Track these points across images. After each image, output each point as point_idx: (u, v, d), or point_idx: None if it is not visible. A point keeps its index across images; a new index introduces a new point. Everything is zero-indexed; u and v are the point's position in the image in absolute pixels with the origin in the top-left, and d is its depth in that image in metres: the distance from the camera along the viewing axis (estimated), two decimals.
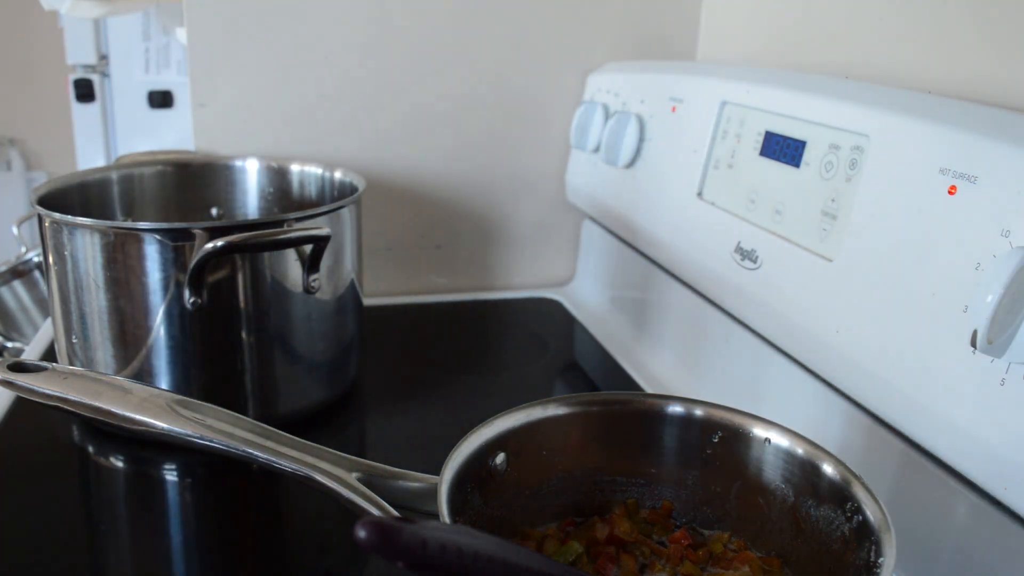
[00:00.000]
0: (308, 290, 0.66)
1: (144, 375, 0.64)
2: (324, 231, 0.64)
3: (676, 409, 0.51)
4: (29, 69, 2.58)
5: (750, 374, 0.69)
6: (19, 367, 0.48)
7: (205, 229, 0.61)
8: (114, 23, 1.96)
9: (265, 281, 0.64)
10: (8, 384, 0.47)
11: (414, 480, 0.46)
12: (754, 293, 0.64)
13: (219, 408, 0.47)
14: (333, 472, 0.45)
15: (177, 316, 0.62)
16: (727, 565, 0.47)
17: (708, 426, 0.50)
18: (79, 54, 2.02)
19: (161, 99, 2.01)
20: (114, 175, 0.81)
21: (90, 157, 2.08)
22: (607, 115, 0.90)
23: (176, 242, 0.61)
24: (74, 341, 0.66)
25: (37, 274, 1.54)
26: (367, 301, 0.79)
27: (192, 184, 0.85)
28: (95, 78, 2.04)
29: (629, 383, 0.80)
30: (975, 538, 0.47)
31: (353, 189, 0.77)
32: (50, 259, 0.65)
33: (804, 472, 0.46)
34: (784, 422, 0.48)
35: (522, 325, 0.96)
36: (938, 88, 0.62)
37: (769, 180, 0.64)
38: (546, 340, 0.91)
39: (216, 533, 0.60)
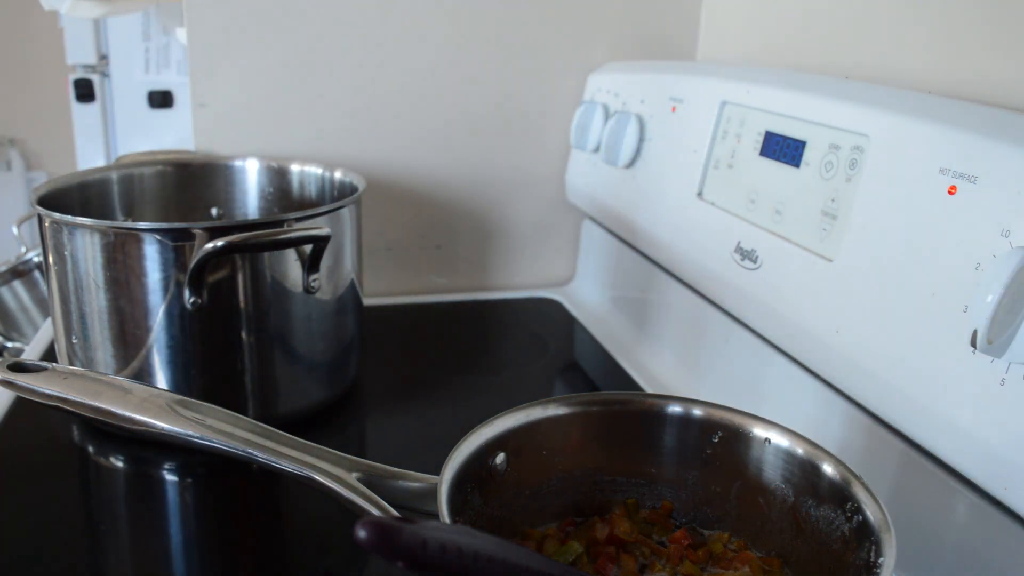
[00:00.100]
0: (308, 290, 0.66)
1: (144, 375, 0.64)
2: (324, 231, 0.64)
3: (676, 409, 0.51)
4: (29, 69, 2.58)
5: (750, 374, 0.69)
6: (19, 367, 0.48)
7: (205, 229, 0.61)
8: (114, 23, 1.96)
9: (265, 281, 0.64)
10: (8, 384, 0.47)
11: (414, 480, 0.46)
12: (754, 293, 0.64)
13: (219, 408, 0.47)
14: (333, 472, 0.45)
15: (177, 316, 0.62)
16: (727, 565, 0.47)
17: (708, 426, 0.50)
18: (79, 54, 2.02)
19: (161, 99, 2.01)
20: (114, 175, 0.81)
21: (90, 157, 2.08)
22: (607, 115, 0.90)
23: (176, 242, 0.61)
24: (74, 341, 0.66)
25: (37, 274, 1.54)
26: (367, 301, 0.79)
27: (192, 184, 0.85)
28: (95, 78, 2.04)
29: (629, 383, 0.80)
30: (975, 538, 0.47)
31: (353, 189, 0.77)
32: (50, 259, 0.65)
33: (804, 472, 0.46)
34: (784, 422, 0.48)
35: (522, 325, 0.96)
36: (938, 88, 0.62)
37: (769, 180, 0.64)
38: (546, 340, 0.91)
39: (216, 533, 0.60)
